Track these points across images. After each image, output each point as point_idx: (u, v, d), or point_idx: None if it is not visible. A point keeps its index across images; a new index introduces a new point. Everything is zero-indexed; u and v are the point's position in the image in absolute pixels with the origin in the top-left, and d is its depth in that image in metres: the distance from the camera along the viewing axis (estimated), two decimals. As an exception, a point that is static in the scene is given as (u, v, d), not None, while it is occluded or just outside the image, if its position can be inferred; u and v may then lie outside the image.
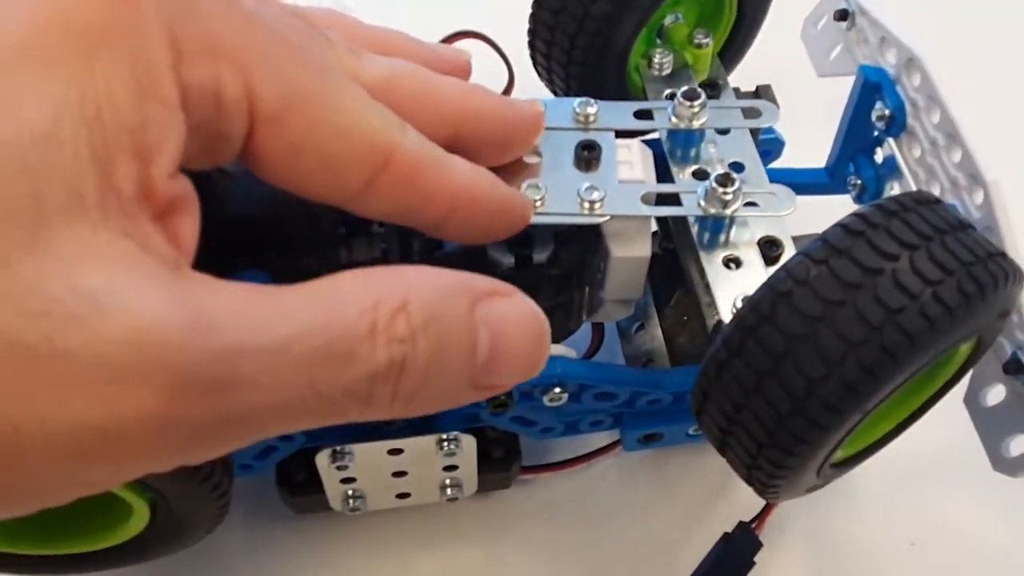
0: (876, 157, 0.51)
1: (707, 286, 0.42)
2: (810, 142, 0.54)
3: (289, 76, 0.28)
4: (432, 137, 0.33)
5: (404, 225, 0.35)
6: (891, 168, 0.50)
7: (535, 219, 0.40)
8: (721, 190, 0.40)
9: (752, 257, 0.41)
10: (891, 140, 0.49)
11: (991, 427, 0.43)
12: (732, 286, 0.40)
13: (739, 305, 0.39)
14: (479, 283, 0.28)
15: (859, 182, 0.51)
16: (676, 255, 0.47)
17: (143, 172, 0.24)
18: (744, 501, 0.50)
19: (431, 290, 0.26)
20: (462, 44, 0.49)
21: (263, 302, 0.25)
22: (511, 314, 0.28)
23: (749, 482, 0.37)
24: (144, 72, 0.24)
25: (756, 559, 0.45)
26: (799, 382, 0.33)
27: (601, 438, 0.51)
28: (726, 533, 0.45)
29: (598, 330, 0.52)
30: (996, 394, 0.43)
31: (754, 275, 0.40)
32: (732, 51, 0.53)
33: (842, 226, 0.34)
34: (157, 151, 0.24)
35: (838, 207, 0.51)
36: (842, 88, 0.51)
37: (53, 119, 0.23)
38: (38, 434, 0.22)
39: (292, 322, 0.24)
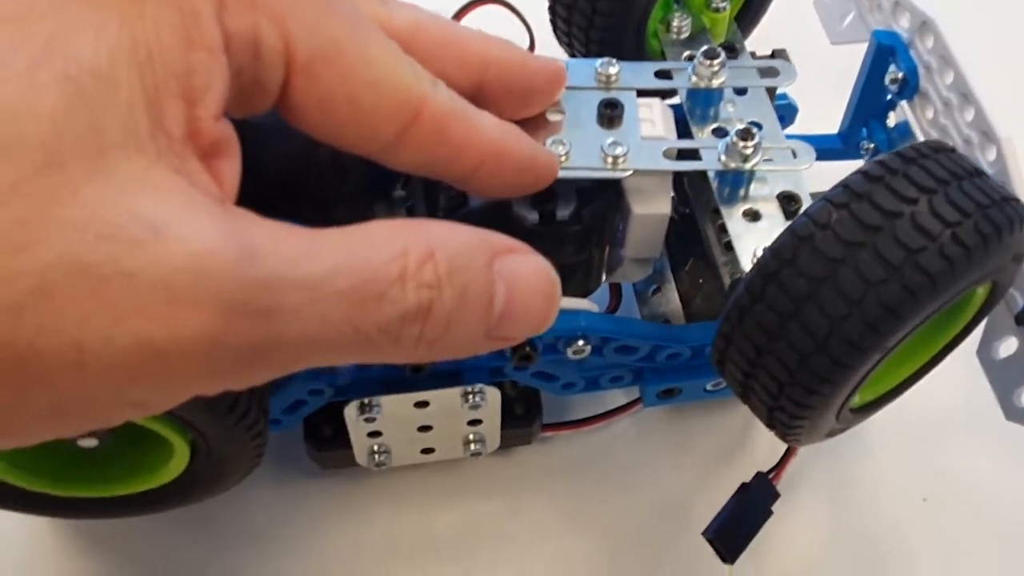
0: (889, 121, 0.52)
1: (727, 243, 0.43)
2: (823, 109, 0.55)
3: (322, 28, 0.29)
4: (455, 86, 0.34)
5: (433, 178, 0.37)
6: (904, 132, 0.51)
7: (560, 173, 0.42)
8: (742, 144, 0.41)
9: (772, 211, 0.42)
10: (904, 103, 0.50)
11: (1004, 378, 0.44)
12: (753, 238, 0.41)
13: (759, 254, 0.40)
14: (497, 240, 0.30)
15: (872, 146, 0.52)
16: (692, 219, 0.48)
17: (190, 115, 0.25)
18: (761, 459, 0.51)
19: (455, 243, 0.28)
20: (483, 9, 0.50)
21: (302, 240, 0.26)
22: (525, 270, 0.30)
23: (770, 425, 0.38)
24: (191, 19, 0.25)
25: (773, 509, 0.46)
26: (821, 323, 0.34)
27: (620, 397, 0.52)
28: (744, 483, 0.46)
29: (615, 291, 0.53)
30: (1008, 346, 0.44)
31: (774, 228, 0.41)
32: (748, 17, 0.54)
33: (862, 172, 0.35)
34: (202, 95, 0.26)
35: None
36: (854, 55, 0.52)
37: (110, 58, 0.24)
38: (100, 353, 0.23)
39: (329, 260, 0.26)
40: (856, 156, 0.54)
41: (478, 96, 0.36)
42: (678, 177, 0.49)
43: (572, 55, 0.54)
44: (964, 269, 0.33)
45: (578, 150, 0.41)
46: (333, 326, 0.26)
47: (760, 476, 0.46)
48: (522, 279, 0.30)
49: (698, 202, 0.47)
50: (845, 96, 0.54)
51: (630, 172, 0.41)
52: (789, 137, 0.54)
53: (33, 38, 0.23)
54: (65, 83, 0.23)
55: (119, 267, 0.22)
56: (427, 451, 0.49)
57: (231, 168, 0.28)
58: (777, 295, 0.35)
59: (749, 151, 0.41)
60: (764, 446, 0.52)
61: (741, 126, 0.42)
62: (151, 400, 0.25)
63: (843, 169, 0.52)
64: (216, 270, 0.24)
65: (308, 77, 0.29)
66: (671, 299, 0.54)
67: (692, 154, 0.43)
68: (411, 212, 0.44)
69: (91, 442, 0.36)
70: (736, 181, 0.42)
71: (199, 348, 0.24)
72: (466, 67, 0.36)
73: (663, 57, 0.51)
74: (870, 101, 0.51)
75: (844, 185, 0.35)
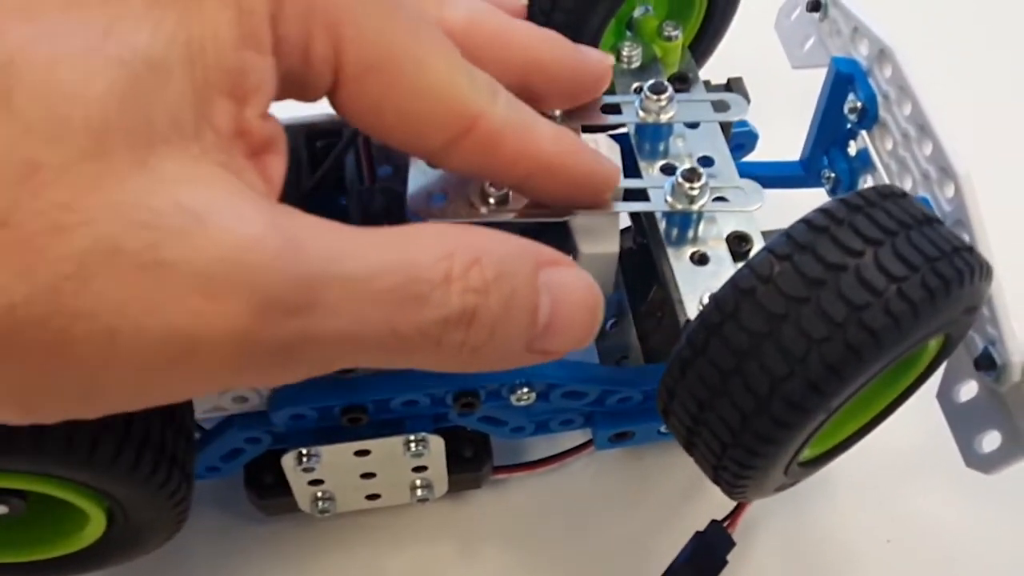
0: (850, 150, 0.50)
1: (676, 282, 0.41)
2: (785, 135, 0.53)
3: (378, 37, 0.29)
4: (503, 80, 0.33)
5: (484, 180, 0.37)
6: (864, 161, 0.49)
7: (500, 217, 0.40)
8: (688, 185, 0.39)
9: (720, 253, 0.40)
10: (864, 132, 0.48)
11: (964, 423, 0.42)
12: (700, 282, 0.40)
13: (705, 302, 0.38)
14: (543, 250, 0.30)
15: (833, 175, 0.51)
16: (650, 251, 0.46)
17: (238, 112, 0.25)
18: (720, 498, 0.49)
19: (502, 250, 0.28)
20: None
21: (346, 237, 0.26)
22: (571, 283, 0.30)
23: (716, 482, 0.37)
24: (247, 19, 0.25)
25: (729, 557, 0.45)
26: (763, 380, 0.32)
27: (574, 437, 0.50)
28: (698, 532, 0.44)
29: (571, 327, 0.51)
30: (968, 390, 0.42)
31: (722, 271, 0.40)
32: (703, 44, 0.52)
33: (806, 222, 0.33)
34: (253, 94, 0.26)
35: (815, 200, 0.51)
36: (816, 80, 0.50)
37: (165, 49, 0.24)
38: (132, 341, 0.22)
39: (372, 259, 0.26)
40: (818, 184, 0.52)
41: (524, 90, 0.35)
42: (633, 210, 0.47)
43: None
44: (911, 326, 0.31)
45: (519, 191, 0.40)
46: (371, 326, 0.25)
47: (714, 524, 0.44)
48: (568, 291, 0.30)
49: (653, 236, 0.46)
50: (806, 120, 0.52)
51: (574, 214, 0.40)
52: (749, 165, 0.53)
53: (92, 23, 0.23)
54: (119, 69, 0.23)
55: (158, 255, 0.22)
56: (372, 497, 0.47)
57: (277, 165, 0.28)
58: (719, 350, 0.33)
59: (695, 192, 0.39)
60: (722, 487, 0.50)
61: (689, 164, 0.41)
62: (176, 390, 0.25)
63: (805, 196, 0.52)
64: (257, 262, 0.23)
65: (357, 85, 0.29)
66: (629, 332, 0.53)
67: (639, 194, 0.41)
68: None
69: (2, 509, 0.34)
70: (684, 222, 0.41)
71: (231, 341, 0.23)
72: (516, 64, 0.36)
73: (613, 87, 0.49)
74: (830, 129, 0.50)
75: (787, 235, 0.33)
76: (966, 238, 0.40)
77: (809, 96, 0.51)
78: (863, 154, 0.49)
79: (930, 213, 0.34)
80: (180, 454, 0.35)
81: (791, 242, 0.33)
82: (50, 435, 0.30)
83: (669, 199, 0.40)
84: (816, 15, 0.51)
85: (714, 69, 0.54)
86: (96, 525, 0.36)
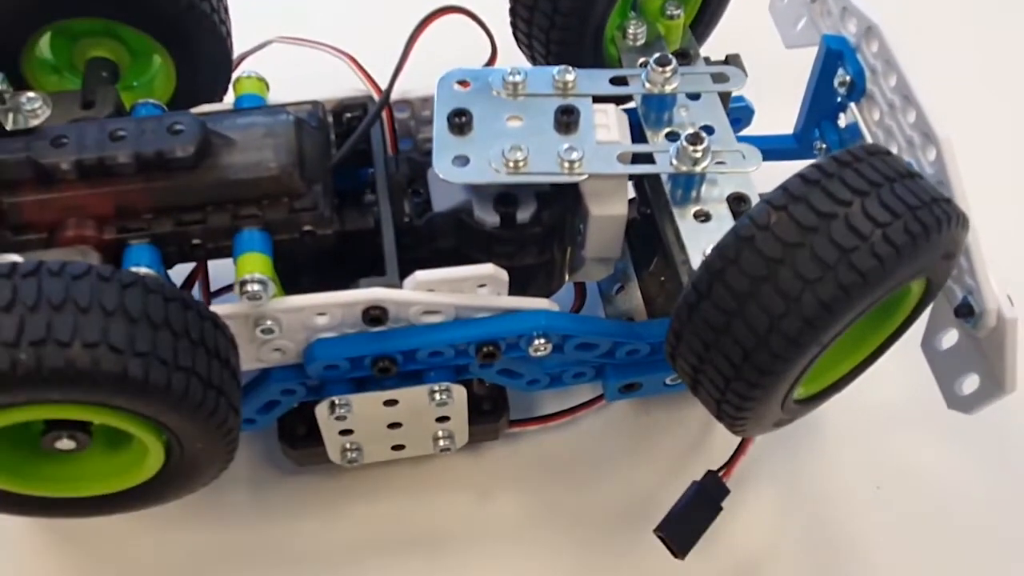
0: (840, 122, 0.54)
1: (681, 241, 0.45)
2: (779, 110, 0.57)
3: None
4: None
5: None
6: (854, 133, 0.53)
7: (518, 179, 0.43)
8: (691, 148, 0.43)
9: (722, 212, 0.44)
10: (853, 105, 0.52)
11: (946, 369, 0.46)
12: (703, 238, 0.43)
13: (708, 253, 0.42)
14: None
15: (824, 146, 0.54)
16: (654, 219, 0.50)
17: None
18: (720, 451, 0.53)
19: None
20: (446, 19, 0.51)
21: None
22: None
23: (719, 417, 0.40)
24: None
25: (724, 504, 0.48)
26: (762, 319, 0.35)
27: (585, 393, 0.53)
28: (694, 481, 0.48)
29: (580, 290, 0.55)
30: (950, 338, 0.46)
31: (723, 228, 0.43)
32: (703, 23, 0.55)
33: (800, 176, 0.37)
34: None
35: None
36: (808, 58, 0.54)
37: None
38: None
39: None
40: (811, 156, 0.56)
41: None
42: (640, 178, 0.51)
43: (533, 60, 0.55)
44: (894, 267, 0.35)
45: (536, 155, 0.43)
46: None
47: (710, 474, 0.47)
48: None
49: (657, 203, 0.49)
50: (799, 97, 0.55)
51: (585, 176, 0.43)
52: (745, 138, 0.56)
53: None
54: None
55: None
56: (398, 448, 0.50)
57: None
58: (722, 293, 0.37)
59: (698, 155, 0.43)
60: (723, 441, 0.54)
61: (692, 131, 0.44)
62: None
63: (798, 168, 0.55)
64: None
65: None
66: (635, 297, 0.56)
67: (646, 158, 0.44)
68: (377, 225, 0.46)
69: (69, 444, 0.37)
70: (687, 184, 0.44)
71: None
72: None
73: (620, 64, 0.52)
74: (821, 103, 0.53)
75: (783, 188, 0.36)
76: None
77: (801, 74, 0.54)
78: (853, 127, 0.53)
79: (912, 169, 0.38)
80: (226, 387, 0.38)
81: (786, 194, 0.36)
82: (105, 366, 0.33)
83: (674, 161, 0.43)
84: (808, -4, 0.54)
85: (712, 48, 0.57)
86: (155, 457, 0.39)
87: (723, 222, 0.43)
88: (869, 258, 0.34)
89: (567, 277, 0.51)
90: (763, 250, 0.36)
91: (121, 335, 0.34)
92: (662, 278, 0.54)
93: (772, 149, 0.57)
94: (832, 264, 0.35)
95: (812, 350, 0.36)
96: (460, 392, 0.47)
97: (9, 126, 0.43)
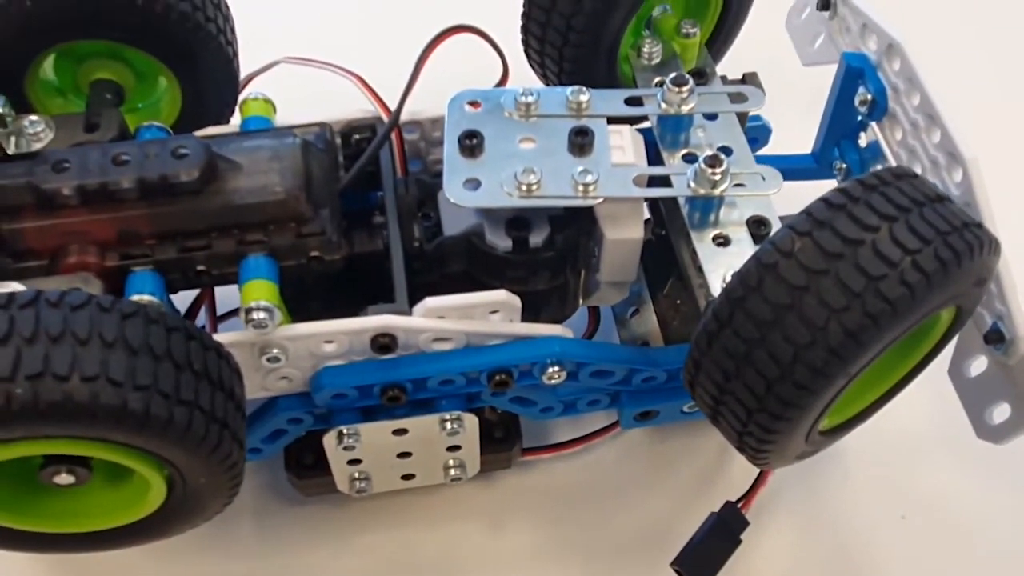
0: (860, 142, 0.52)
1: (698, 265, 0.44)
2: (797, 129, 0.55)
3: None
4: None
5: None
6: (875, 152, 0.51)
7: (531, 202, 0.42)
8: (710, 171, 0.41)
9: (741, 235, 0.43)
10: (874, 124, 0.50)
11: (975, 397, 0.44)
12: (722, 263, 0.42)
13: (728, 279, 0.40)
14: None
15: (844, 166, 0.53)
16: (668, 240, 0.48)
17: None
18: (738, 480, 0.51)
19: None
20: (457, 39, 0.50)
21: None
22: None
23: (740, 449, 0.39)
24: None
25: (743, 536, 0.46)
26: (786, 349, 0.34)
27: (599, 420, 0.52)
28: (712, 512, 0.46)
29: (594, 315, 0.53)
30: (979, 365, 0.44)
31: (743, 252, 0.42)
32: (719, 41, 0.54)
33: (824, 200, 0.35)
34: None
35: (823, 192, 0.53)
36: (826, 76, 0.52)
37: None
38: None
39: None
40: (829, 176, 0.55)
41: None
42: (654, 200, 0.50)
43: (545, 81, 0.54)
44: (925, 295, 0.33)
45: (549, 178, 0.42)
46: None
47: (729, 505, 0.46)
48: None
49: (673, 225, 0.48)
50: (818, 115, 0.54)
51: (600, 199, 0.42)
52: (763, 158, 0.55)
53: None
54: None
55: None
56: (407, 477, 0.49)
57: None
58: (743, 321, 0.35)
59: (717, 178, 0.41)
60: (741, 467, 0.52)
61: (710, 152, 0.43)
62: None
63: (817, 188, 0.54)
64: None
65: None
66: (650, 320, 0.55)
67: (663, 181, 0.43)
68: (386, 247, 0.45)
69: (68, 479, 0.36)
70: (706, 207, 0.43)
71: None
72: None
73: (634, 82, 0.51)
74: (841, 122, 0.52)
75: (807, 213, 0.35)
76: (974, 218, 0.42)
77: (818, 92, 0.53)
78: (873, 145, 0.51)
79: (941, 192, 0.36)
80: (230, 420, 0.36)
81: (811, 219, 0.35)
82: (104, 400, 0.32)
83: (692, 184, 0.42)
84: (826, 14, 0.53)
85: (728, 67, 0.56)
86: (157, 492, 0.38)
87: (743, 246, 0.42)
88: (898, 286, 0.33)
89: (581, 301, 0.49)
90: (787, 278, 0.34)
91: (121, 368, 0.33)
92: (677, 301, 0.53)
93: (790, 169, 0.56)
94: (859, 292, 0.33)
95: (839, 381, 0.35)
96: (472, 421, 0.46)
97: (11, 150, 0.43)
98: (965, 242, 0.34)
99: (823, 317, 0.33)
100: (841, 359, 0.34)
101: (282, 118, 0.48)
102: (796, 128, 0.56)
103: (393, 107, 0.47)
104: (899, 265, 0.33)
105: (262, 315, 0.40)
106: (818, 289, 0.34)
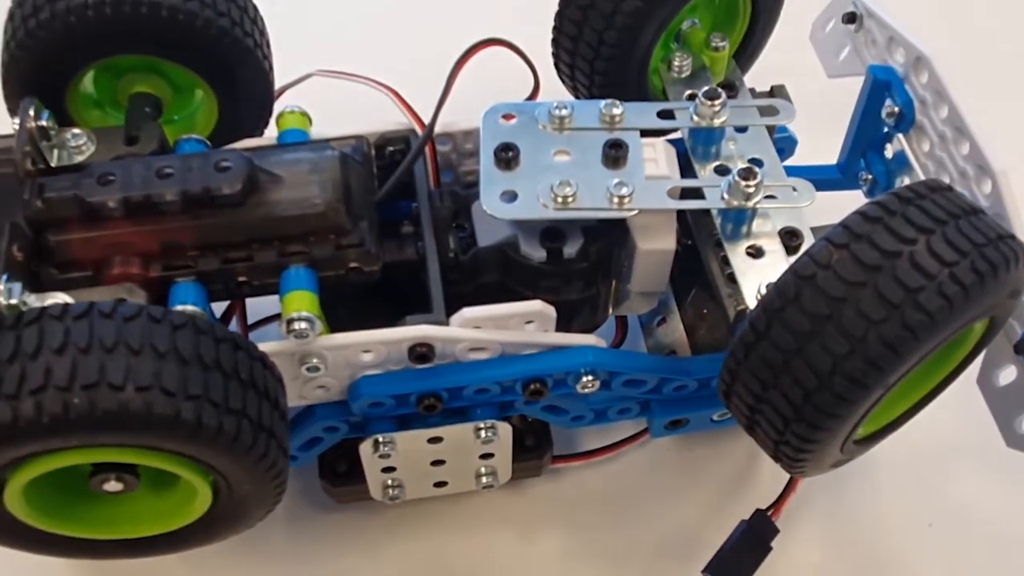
0: (886, 153, 0.53)
1: (730, 275, 0.44)
2: (822, 140, 0.56)
3: None
4: None
5: None
6: (901, 163, 0.52)
7: (567, 214, 0.43)
8: (744, 183, 0.42)
9: (774, 247, 0.43)
10: (900, 136, 0.51)
11: (1004, 406, 0.45)
12: (756, 274, 0.42)
13: (763, 291, 0.41)
14: None
15: (870, 177, 0.53)
16: (695, 250, 0.49)
17: None
18: (767, 487, 0.52)
19: None
20: (489, 51, 0.51)
21: None
22: None
23: (776, 458, 0.39)
24: None
25: (773, 544, 0.47)
26: (825, 360, 0.35)
27: (628, 428, 0.53)
28: (743, 520, 0.47)
29: (622, 323, 0.54)
30: (1008, 374, 0.44)
31: (776, 263, 0.43)
32: (746, 53, 0.55)
33: (860, 213, 0.36)
34: None
35: (850, 202, 0.53)
36: (852, 87, 0.53)
37: None
38: None
39: None
40: (855, 186, 0.55)
41: None
42: (681, 210, 0.50)
43: (575, 94, 0.55)
44: (962, 307, 0.34)
45: (585, 191, 0.43)
46: None
47: (759, 513, 0.46)
48: None
49: (700, 235, 0.48)
50: (843, 127, 0.55)
51: (636, 211, 0.43)
52: (789, 169, 0.56)
53: None
54: None
55: None
56: (440, 484, 0.50)
57: None
58: (781, 333, 0.36)
59: (751, 190, 0.42)
60: (770, 474, 0.53)
61: (743, 164, 0.43)
62: None
63: (841, 199, 0.54)
64: None
65: None
66: (676, 329, 0.55)
67: (696, 193, 0.44)
68: (422, 256, 0.45)
69: (117, 486, 0.37)
70: (739, 218, 0.44)
71: None
72: None
73: (664, 94, 0.52)
74: (867, 134, 0.53)
75: (844, 226, 0.36)
76: (1006, 230, 0.42)
77: (844, 103, 0.54)
78: (899, 156, 0.52)
79: (975, 204, 0.37)
80: (276, 429, 0.37)
81: (848, 232, 0.35)
82: (158, 409, 0.33)
83: (726, 196, 0.43)
84: (851, 27, 0.54)
85: (753, 78, 0.57)
86: (203, 499, 0.38)
87: (776, 258, 0.43)
88: (936, 298, 0.34)
89: (611, 311, 0.50)
90: (825, 289, 0.35)
91: (174, 377, 0.34)
92: (704, 310, 0.54)
93: (815, 180, 0.56)
94: (898, 304, 0.34)
95: (876, 392, 0.35)
96: (506, 429, 0.46)
97: (54, 162, 0.43)
98: (1001, 254, 0.35)
99: (862, 328, 0.34)
100: (880, 369, 0.34)
101: (316, 130, 0.49)
102: (821, 139, 0.56)
103: (426, 119, 0.48)
104: (937, 277, 0.34)
105: (303, 325, 0.40)
106: (857, 300, 0.34)
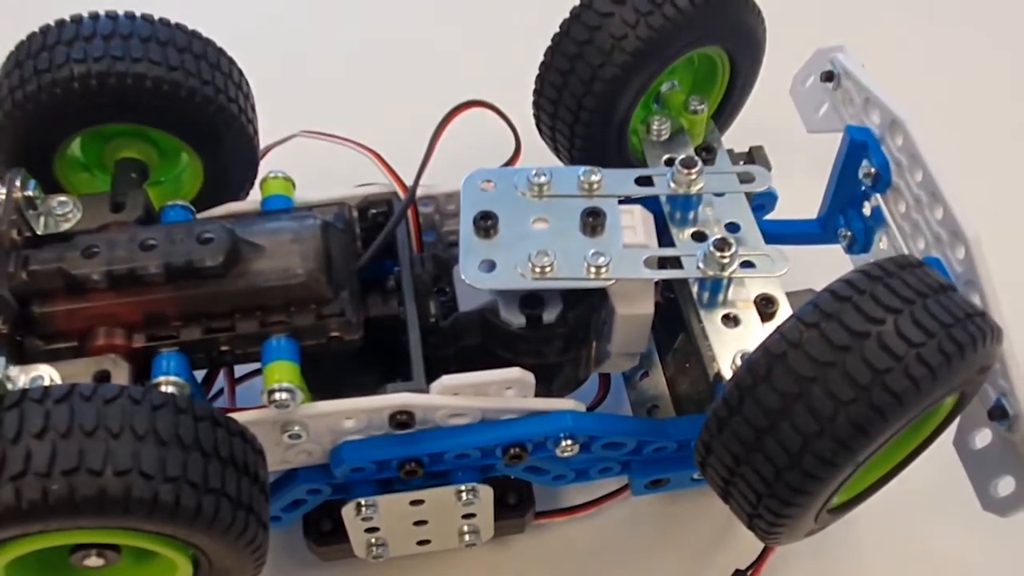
0: (864, 210, 0.53)
1: (708, 342, 0.45)
2: (803, 193, 0.56)
3: None
4: None
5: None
6: (879, 220, 0.52)
7: (544, 284, 0.43)
8: (719, 254, 0.42)
9: (749, 315, 0.44)
10: (878, 195, 0.51)
11: (980, 469, 0.45)
12: (731, 342, 0.43)
13: (738, 361, 0.42)
14: None
15: (849, 233, 0.54)
16: (677, 304, 0.49)
17: None
18: (747, 543, 0.52)
19: None
20: (471, 113, 0.52)
21: None
22: None
23: (751, 528, 0.40)
24: None
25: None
26: (795, 438, 0.35)
27: (611, 483, 0.53)
28: (724, 582, 0.47)
29: (604, 380, 0.54)
30: (983, 437, 0.45)
31: (752, 331, 0.43)
32: (725, 113, 0.56)
33: (831, 292, 0.36)
34: None
35: (829, 255, 0.54)
36: (832, 142, 0.53)
37: None
38: None
39: None
40: (835, 241, 0.56)
41: None
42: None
43: (556, 152, 0.56)
44: (930, 387, 0.35)
45: (562, 260, 0.43)
46: None
47: (738, 573, 0.47)
48: None
49: (682, 293, 0.49)
50: (823, 180, 0.55)
51: (612, 281, 0.43)
52: (770, 223, 0.56)
53: None
54: None
55: None
56: (423, 542, 0.50)
57: None
58: (753, 409, 0.36)
59: (726, 260, 0.43)
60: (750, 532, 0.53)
61: (719, 232, 0.44)
62: None
63: (822, 253, 0.55)
64: None
65: None
66: (659, 382, 0.56)
67: (673, 262, 0.44)
68: (403, 321, 0.46)
69: (97, 562, 0.37)
70: (715, 287, 0.44)
71: None
72: None
73: (643, 155, 0.52)
74: (846, 191, 0.53)
75: (814, 304, 0.36)
76: (976, 298, 0.43)
77: (824, 157, 0.54)
78: (877, 212, 0.52)
79: (945, 281, 0.37)
80: (255, 504, 0.38)
81: (818, 311, 0.36)
82: (136, 493, 0.33)
83: (701, 265, 0.43)
84: (830, 85, 0.55)
85: (735, 130, 0.57)
86: (183, 572, 0.39)
87: (752, 325, 0.43)
88: (903, 379, 0.34)
89: (592, 369, 0.50)
90: (795, 367, 0.35)
91: (152, 460, 0.34)
92: (686, 364, 0.54)
93: (797, 233, 0.57)
94: (866, 385, 0.34)
95: (847, 469, 0.36)
96: (487, 492, 0.47)
97: (40, 230, 0.44)
98: (968, 334, 0.35)
99: (831, 408, 0.35)
100: (849, 449, 0.35)
101: (299, 194, 0.50)
102: (802, 192, 0.57)
103: (408, 181, 0.49)
104: (904, 359, 0.34)
105: (284, 396, 0.41)
106: (826, 381, 0.35)
